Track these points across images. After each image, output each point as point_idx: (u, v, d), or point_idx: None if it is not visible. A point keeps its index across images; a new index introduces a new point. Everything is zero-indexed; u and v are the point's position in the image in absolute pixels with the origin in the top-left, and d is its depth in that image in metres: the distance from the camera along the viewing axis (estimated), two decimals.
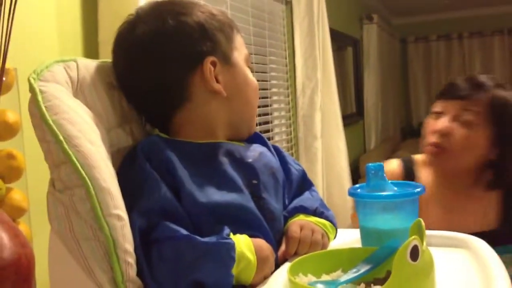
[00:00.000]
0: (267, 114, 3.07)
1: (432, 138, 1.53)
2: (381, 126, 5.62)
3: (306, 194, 1.02)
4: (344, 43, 4.64)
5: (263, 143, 1.03)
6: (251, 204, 0.88)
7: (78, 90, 0.85)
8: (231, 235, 0.81)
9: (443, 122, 1.50)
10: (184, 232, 0.78)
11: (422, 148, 1.57)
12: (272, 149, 1.03)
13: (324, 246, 0.93)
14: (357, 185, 0.89)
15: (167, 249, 0.77)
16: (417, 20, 6.81)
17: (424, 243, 0.69)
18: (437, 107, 1.56)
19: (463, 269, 0.84)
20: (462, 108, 1.49)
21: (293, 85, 3.24)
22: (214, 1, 2.49)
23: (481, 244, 0.92)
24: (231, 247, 0.78)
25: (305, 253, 0.88)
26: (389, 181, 0.87)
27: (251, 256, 0.80)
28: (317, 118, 3.21)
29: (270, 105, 3.14)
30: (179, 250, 0.77)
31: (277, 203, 0.94)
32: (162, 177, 0.83)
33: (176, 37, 0.91)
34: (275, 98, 3.21)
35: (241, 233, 0.84)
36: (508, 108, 1.51)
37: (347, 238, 1.00)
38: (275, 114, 3.22)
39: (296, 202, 0.98)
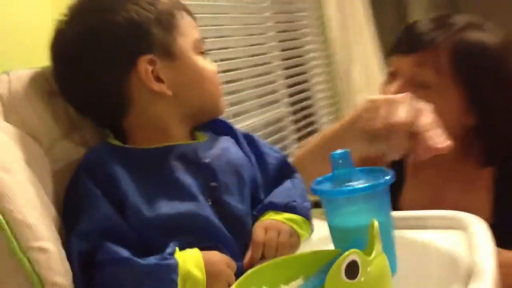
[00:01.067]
0: (303, 73, 2.95)
1: None
2: None
3: (287, 183, 0.93)
4: None
5: (231, 133, 0.94)
6: (207, 212, 0.80)
7: (10, 106, 0.80)
8: (177, 252, 0.75)
9: (394, 88, 1.13)
10: (124, 254, 0.73)
11: None
12: (242, 139, 0.94)
13: (293, 247, 0.85)
14: (320, 178, 0.79)
15: (107, 276, 0.72)
16: None
17: (375, 252, 0.59)
18: (391, 64, 1.18)
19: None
20: (416, 64, 1.11)
21: (328, 40, 3.09)
22: None
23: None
24: (172, 268, 0.71)
25: (273, 257, 0.80)
26: (357, 169, 0.77)
27: (199, 274, 0.73)
28: (356, 72, 3.06)
29: (306, 64, 3.01)
30: (118, 276, 0.72)
31: (243, 203, 0.86)
32: (105, 192, 0.77)
33: (102, 39, 0.83)
34: (311, 55, 3.08)
35: (197, 245, 0.77)
36: (475, 56, 1.11)
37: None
38: (314, 71, 3.09)
39: (268, 197, 0.90)
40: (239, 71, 2.40)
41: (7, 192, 0.68)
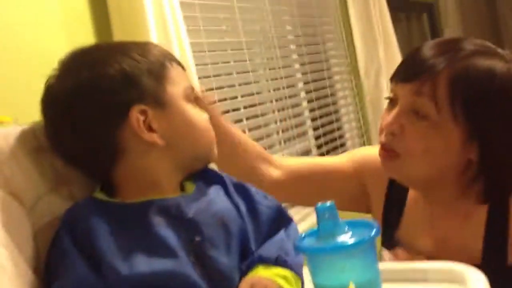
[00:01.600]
0: (330, 104, 2.92)
1: (381, 137, 1.09)
2: None
3: (280, 234, 0.89)
4: (416, 11, 4.36)
5: (221, 183, 0.92)
6: (187, 269, 0.77)
7: None
8: None
9: (392, 116, 1.05)
10: None
11: None
12: (232, 189, 0.92)
13: None
14: (304, 233, 0.76)
15: None
16: None
17: None
18: (391, 90, 1.10)
19: None
20: (414, 92, 1.02)
21: (355, 69, 3.06)
22: (252, 0, 2.39)
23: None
24: None
25: None
26: (343, 221, 0.74)
27: None
28: (386, 100, 3.01)
29: (333, 94, 2.98)
30: None
31: (229, 258, 0.83)
32: (83, 249, 0.76)
33: (95, 91, 0.82)
34: (338, 86, 3.05)
35: None
36: (476, 86, 1.00)
37: None
38: (341, 102, 3.06)
39: (259, 250, 0.86)
40: (264, 105, 2.39)
41: None
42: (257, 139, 2.30)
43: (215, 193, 0.89)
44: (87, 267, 0.74)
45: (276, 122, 2.46)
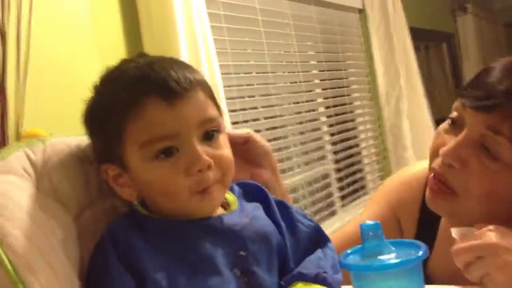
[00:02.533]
0: (350, 129, 2.94)
1: (435, 163, 0.96)
2: None
3: (318, 252, 0.90)
4: (435, 40, 4.38)
5: (265, 200, 0.92)
6: (231, 286, 0.78)
7: (43, 172, 0.81)
8: None
9: (454, 144, 0.91)
10: None
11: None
12: (274, 206, 0.92)
13: None
14: (349, 250, 0.77)
15: None
16: None
17: None
18: (456, 109, 0.95)
19: None
20: (488, 126, 0.88)
21: (376, 95, 3.08)
22: (277, 25, 2.42)
23: None
24: None
25: None
26: (388, 241, 0.74)
27: None
28: (405, 127, 3.02)
29: (353, 120, 3.00)
30: None
31: (270, 274, 0.83)
32: (127, 267, 0.75)
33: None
34: (359, 111, 3.07)
35: None
36: None
37: None
38: (360, 128, 3.07)
39: (298, 267, 0.87)
40: (285, 128, 2.40)
41: (33, 265, 0.68)
42: (278, 161, 2.31)
43: (257, 210, 0.89)
44: (132, 283, 0.74)
45: (295, 146, 2.47)
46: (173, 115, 0.78)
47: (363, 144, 3.07)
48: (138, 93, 0.78)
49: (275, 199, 0.94)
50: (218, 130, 0.82)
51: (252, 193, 0.93)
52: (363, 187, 3.02)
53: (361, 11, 3.08)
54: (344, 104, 2.93)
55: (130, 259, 0.76)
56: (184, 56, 1.58)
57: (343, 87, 2.94)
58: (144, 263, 0.76)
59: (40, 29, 1.36)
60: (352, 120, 3.00)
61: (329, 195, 2.69)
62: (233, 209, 0.88)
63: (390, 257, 0.72)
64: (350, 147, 2.92)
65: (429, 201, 0.98)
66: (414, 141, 3.05)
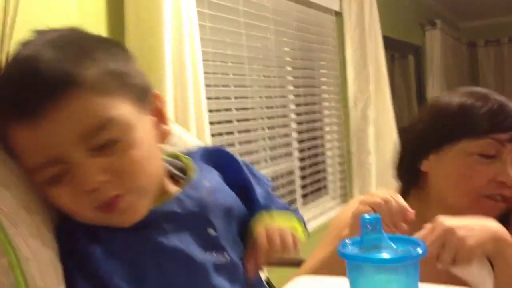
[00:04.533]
0: (317, 129, 2.96)
1: (496, 190, 1.09)
2: None
3: (252, 184, 0.92)
4: (404, 51, 4.46)
5: (229, 162, 0.91)
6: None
7: None
8: None
9: (495, 170, 1.07)
10: None
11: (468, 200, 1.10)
12: (241, 164, 0.92)
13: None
14: (347, 240, 0.77)
15: None
16: (487, 23, 6.46)
17: None
18: (490, 147, 1.08)
19: None
20: None
21: (345, 98, 3.11)
22: (257, 18, 2.41)
23: None
24: None
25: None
26: (387, 235, 0.75)
27: None
28: (370, 132, 3.07)
29: (321, 120, 3.02)
30: None
31: (233, 249, 0.83)
32: (85, 275, 0.72)
33: None
34: (327, 112, 3.09)
35: None
36: None
37: None
38: (327, 128, 3.10)
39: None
40: (256, 121, 2.40)
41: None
42: (245, 154, 2.31)
43: (214, 180, 0.86)
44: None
45: (264, 140, 2.48)
46: (41, 138, 0.67)
47: (328, 145, 3.10)
48: (3, 120, 0.69)
49: (241, 160, 0.93)
50: (116, 137, 0.70)
51: (215, 157, 0.92)
52: (324, 187, 3.05)
53: (338, 14, 3.10)
54: (314, 104, 2.95)
55: (89, 267, 0.72)
56: (168, 39, 1.55)
57: (314, 87, 2.96)
58: (102, 271, 0.72)
59: (28, 13, 1.30)
60: (320, 120, 3.02)
61: (292, 192, 2.70)
62: (191, 177, 0.83)
63: (390, 252, 0.72)
64: (316, 147, 2.94)
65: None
66: (378, 147, 3.10)
